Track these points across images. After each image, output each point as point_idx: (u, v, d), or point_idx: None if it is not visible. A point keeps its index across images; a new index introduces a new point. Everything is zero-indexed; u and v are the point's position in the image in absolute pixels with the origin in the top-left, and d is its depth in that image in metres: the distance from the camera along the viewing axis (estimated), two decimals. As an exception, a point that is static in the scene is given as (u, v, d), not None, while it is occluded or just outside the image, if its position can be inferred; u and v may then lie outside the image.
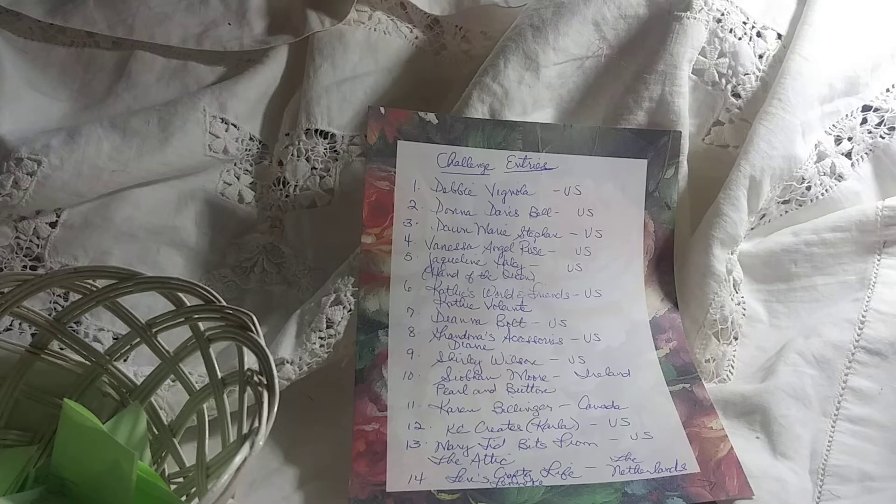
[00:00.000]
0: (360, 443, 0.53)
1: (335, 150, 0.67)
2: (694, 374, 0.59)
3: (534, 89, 0.64)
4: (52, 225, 0.63)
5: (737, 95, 0.66)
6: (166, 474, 0.49)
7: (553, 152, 0.62)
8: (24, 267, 0.62)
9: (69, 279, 0.48)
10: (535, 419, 0.55)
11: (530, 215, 0.61)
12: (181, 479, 0.48)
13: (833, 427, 0.54)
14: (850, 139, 0.66)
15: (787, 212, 0.66)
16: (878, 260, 0.61)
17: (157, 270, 0.62)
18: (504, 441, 0.54)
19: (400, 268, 0.59)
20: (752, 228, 0.64)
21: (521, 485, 0.52)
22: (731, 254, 0.61)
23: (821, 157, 0.66)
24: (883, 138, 0.66)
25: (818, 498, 0.51)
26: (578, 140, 0.62)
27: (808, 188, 0.65)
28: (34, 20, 0.71)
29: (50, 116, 0.67)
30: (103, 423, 0.46)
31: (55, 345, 0.50)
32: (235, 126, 0.68)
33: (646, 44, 0.66)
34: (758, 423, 0.55)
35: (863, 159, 0.67)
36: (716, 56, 0.66)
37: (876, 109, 0.67)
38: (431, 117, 0.61)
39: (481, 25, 0.73)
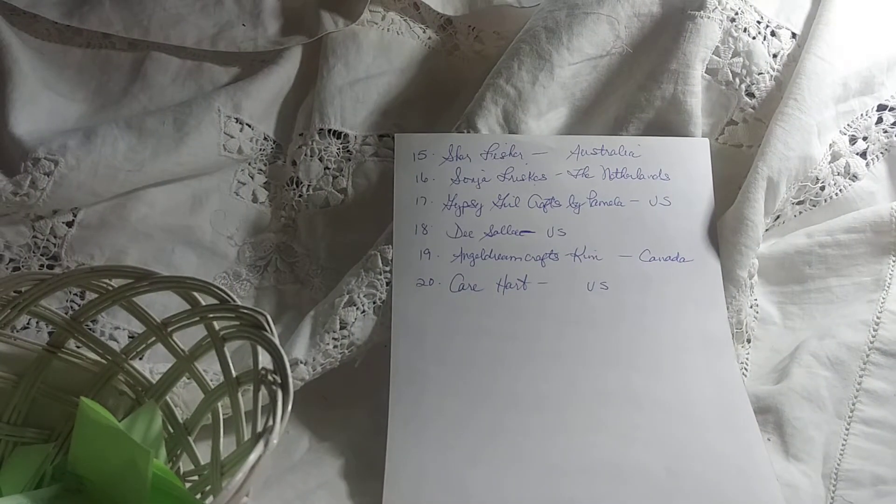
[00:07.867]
0: None
1: (348, 151, 0.67)
2: (707, 375, 0.59)
3: (548, 90, 0.64)
4: (69, 224, 0.64)
5: (751, 95, 0.65)
6: (181, 472, 0.49)
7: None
8: (41, 266, 0.62)
9: (86, 278, 0.48)
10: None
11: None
12: (196, 478, 0.48)
13: (847, 430, 0.54)
14: (865, 139, 0.66)
15: (801, 212, 0.65)
16: (893, 261, 0.60)
17: (173, 269, 0.62)
18: None
19: None
20: (767, 230, 0.64)
21: None
22: (753, 258, 0.61)
23: (835, 157, 0.65)
24: (898, 138, 0.66)
25: (830, 503, 0.51)
26: None
27: (822, 188, 0.65)
28: (51, 22, 0.71)
29: (66, 117, 0.68)
30: (119, 421, 0.46)
31: (72, 343, 0.50)
32: (250, 126, 0.68)
33: (659, 43, 0.65)
34: (770, 424, 0.54)
35: (878, 159, 0.66)
36: (730, 55, 0.65)
37: (891, 109, 0.66)
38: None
39: (494, 26, 0.73)
